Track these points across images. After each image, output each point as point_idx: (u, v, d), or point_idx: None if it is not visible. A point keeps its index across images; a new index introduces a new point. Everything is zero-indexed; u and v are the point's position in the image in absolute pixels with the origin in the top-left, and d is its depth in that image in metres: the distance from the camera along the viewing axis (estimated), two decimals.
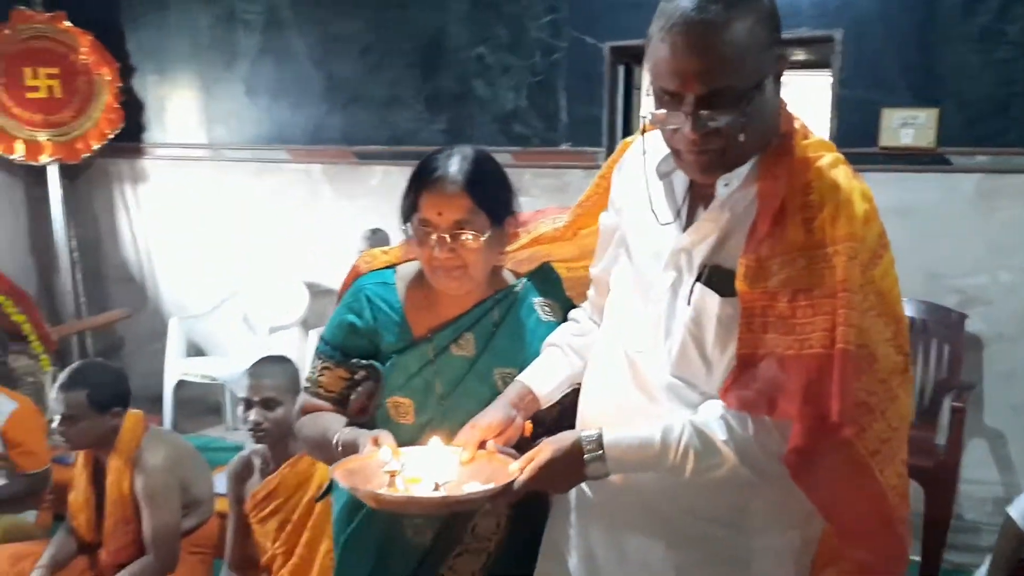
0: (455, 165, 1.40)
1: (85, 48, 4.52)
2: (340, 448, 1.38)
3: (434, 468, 1.27)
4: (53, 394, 2.48)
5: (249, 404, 2.33)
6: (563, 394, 1.43)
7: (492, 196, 1.43)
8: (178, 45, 4.62)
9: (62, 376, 2.50)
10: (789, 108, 1.23)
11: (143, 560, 2.57)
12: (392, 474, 1.23)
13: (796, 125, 1.20)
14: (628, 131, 3.93)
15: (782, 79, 1.16)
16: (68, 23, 4.50)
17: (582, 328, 1.48)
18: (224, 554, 2.57)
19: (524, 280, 1.56)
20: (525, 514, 1.48)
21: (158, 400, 4.27)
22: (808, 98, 4.52)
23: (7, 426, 3.08)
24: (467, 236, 1.39)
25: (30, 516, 3.10)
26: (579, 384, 1.42)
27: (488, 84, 3.94)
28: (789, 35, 3.35)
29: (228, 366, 4.22)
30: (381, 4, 4.09)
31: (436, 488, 1.23)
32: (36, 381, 4.00)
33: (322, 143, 4.31)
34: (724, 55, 1.05)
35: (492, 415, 1.34)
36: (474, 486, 1.23)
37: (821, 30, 3.33)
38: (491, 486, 1.21)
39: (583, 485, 1.36)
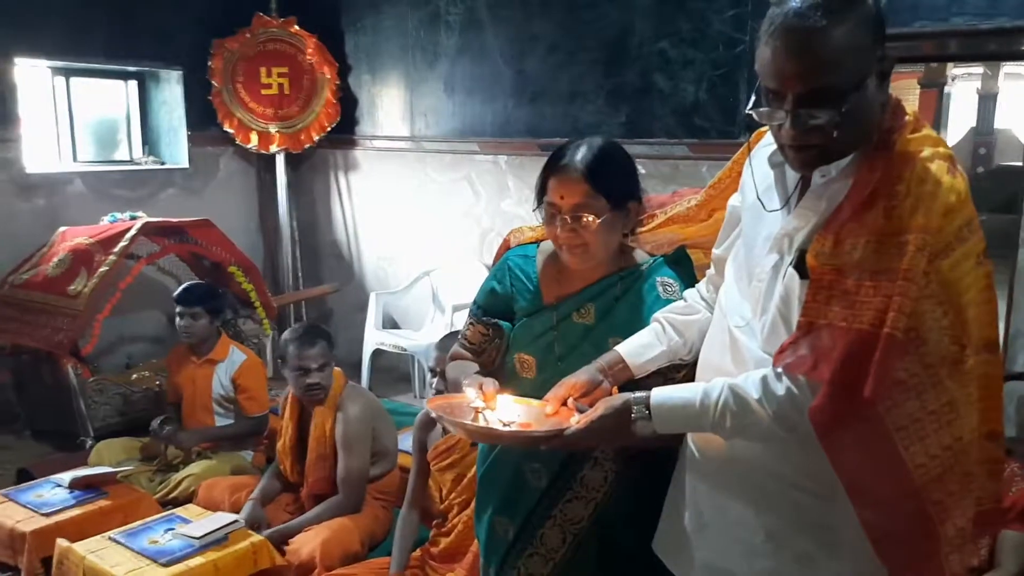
0: (579, 154, 1.58)
1: (311, 49, 5.07)
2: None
3: (514, 413, 1.48)
4: (295, 350, 2.95)
5: (434, 373, 2.66)
6: (658, 366, 1.55)
7: (611, 182, 1.58)
8: (389, 46, 5.08)
9: (300, 335, 3.00)
10: (903, 103, 1.27)
11: (335, 498, 2.99)
12: (477, 411, 1.45)
13: (906, 119, 1.25)
14: None
15: (888, 77, 1.22)
16: (297, 27, 5.08)
17: (688, 307, 1.59)
18: (401, 503, 2.89)
19: (652, 260, 1.70)
20: (632, 474, 1.63)
21: (357, 366, 4.75)
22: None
23: (238, 374, 3.65)
24: (586, 218, 1.56)
25: (248, 456, 3.62)
26: (678, 359, 1.55)
27: (669, 78, 4.02)
28: (988, 26, 3.20)
29: (417, 339, 4.62)
30: (571, 4, 4.29)
31: (505, 425, 1.44)
32: (259, 343, 4.60)
33: (509, 136, 4.58)
34: (822, 58, 1.14)
35: (579, 377, 1.49)
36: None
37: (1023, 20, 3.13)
38: (545, 429, 1.39)
39: (692, 449, 1.48)
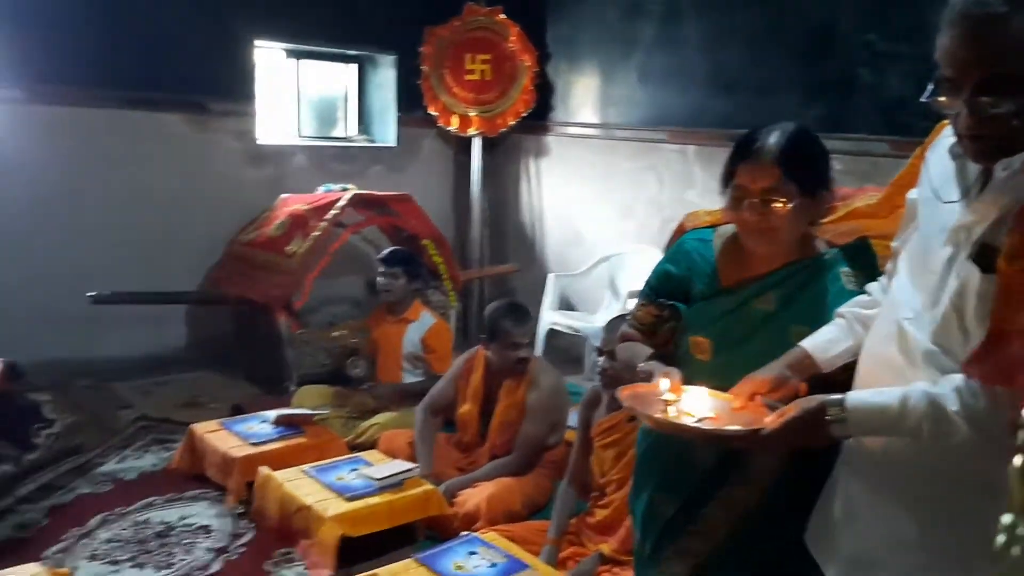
0: (772, 139, 1.58)
1: (513, 38, 5.29)
2: (640, 375, 1.65)
3: (704, 407, 1.48)
4: (509, 326, 3.21)
5: (600, 352, 2.78)
6: (844, 361, 1.52)
7: (803, 169, 1.58)
8: (587, 36, 5.20)
9: (514, 313, 3.29)
10: None
11: (508, 457, 3.21)
12: (667, 403, 1.46)
13: None
14: None
15: None
16: (503, 16, 5.31)
17: (872, 302, 1.56)
18: (564, 475, 3.03)
19: (836, 250, 1.68)
20: (805, 461, 1.57)
21: (532, 345, 4.93)
22: None
23: (428, 335, 3.97)
24: (776, 203, 1.56)
25: None
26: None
27: (874, 71, 3.84)
28: None
29: (592, 321, 4.74)
30: None
31: (698, 421, 1.43)
32: (445, 313, 4.90)
33: (699, 126, 4.56)
34: (1002, 45, 1.11)
35: (767, 373, 1.49)
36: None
37: None
38: (736, 428, 1.38)
39: (850, 443, 1.48)
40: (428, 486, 2.98)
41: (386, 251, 4.10)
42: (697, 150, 4.58)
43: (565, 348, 5.13)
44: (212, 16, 4.65)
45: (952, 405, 1.22)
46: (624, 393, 1.52)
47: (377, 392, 3.90)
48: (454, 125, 5.44)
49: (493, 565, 2.46)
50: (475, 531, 2.78)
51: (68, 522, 2.99)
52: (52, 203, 4.30)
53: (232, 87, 4.79)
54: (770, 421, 1.37)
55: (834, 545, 1.50)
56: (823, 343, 1.53)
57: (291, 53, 5.32)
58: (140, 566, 2.73)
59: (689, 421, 1.45)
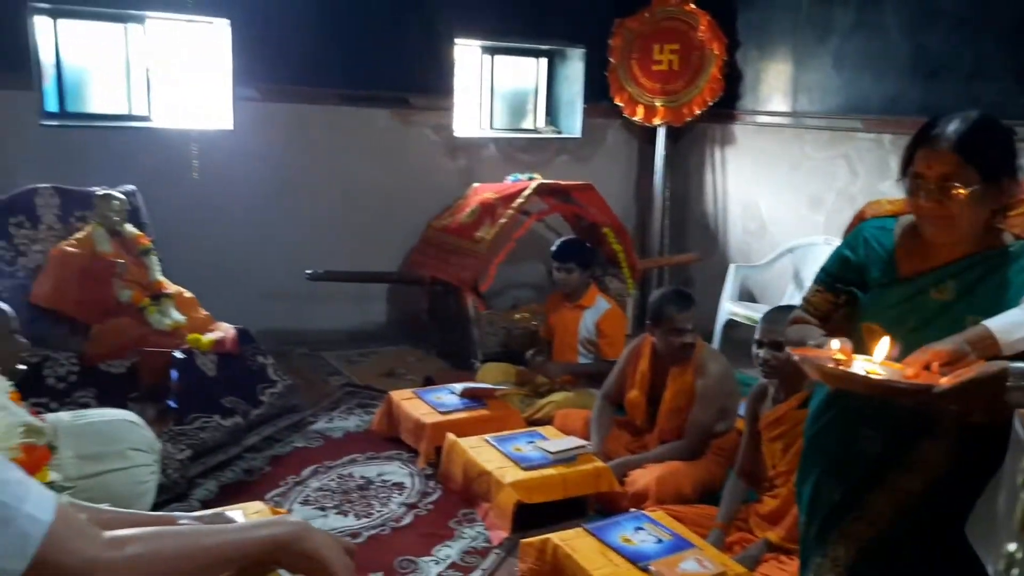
0: (952, 125, 1.56)
1: (703, 27, 5.28)
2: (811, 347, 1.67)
3: (875, 368, 1.48)
4: (673, 312, 3.28)
5: (760, 344, 2.77)
6: None
7: (984, 155, 1.55)
8: (780, 22, 5.09)
9: (677, 298, 3.34)
10: None
11: (678, 442, 3.30)
12: (838, 362, 1.49)
13: None
14: None
15: None
16: (692, 5, 5.31)
17: None
18: (734, 462, 3.08)
19: (1020, 243, 1.64)
20: (973, 450, 1.57)
21: (710, 335, 4.94)
22: None
23: (602, 319, 4.11)
24: (954, 189, 1.54)
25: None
26: None
27: None
28: None
29: None
30: None
31: (866, 373, 1.44)
32: (622, 300, 5.02)
33: (897, 114, 4.37)
34: None
35: (945, 344, 1.46)
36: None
37: None
38: (911, 382, 1.38)
39: (1020, 430, 1.47)
40: (599, 463, 3.14)
41: (558, 244, 4.21)
42: (894, 139, 4.38)
43: (744, 340, 5.06)
44: (417, 17, 5.03)
45: None
46: (795, 351, 1.55)
47: (548, 370, 4.08)
48: (639, 115, 5.52)
49: (660, 541, 2.57)
50: (644, 509, 2.90)
51: (285, 471, 3.42)
52: (278, 191, 4.86)
53: (433, 83, 5.16)
54: (946, 380, 1.36)
55: (995, 540, 1.50)
56: (1008, 324, 1.48)
57: (486, 49, 5.62)
58: (344, 513, 3.10)
59: (855, 370, 1.46)
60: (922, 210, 1.60)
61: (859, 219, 1.89)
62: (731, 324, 4.93)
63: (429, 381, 4.28)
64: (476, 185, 5.06)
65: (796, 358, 1.54)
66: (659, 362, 3.44)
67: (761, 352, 2.76)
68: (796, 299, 4.68)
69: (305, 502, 3.18)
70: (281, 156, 4.84)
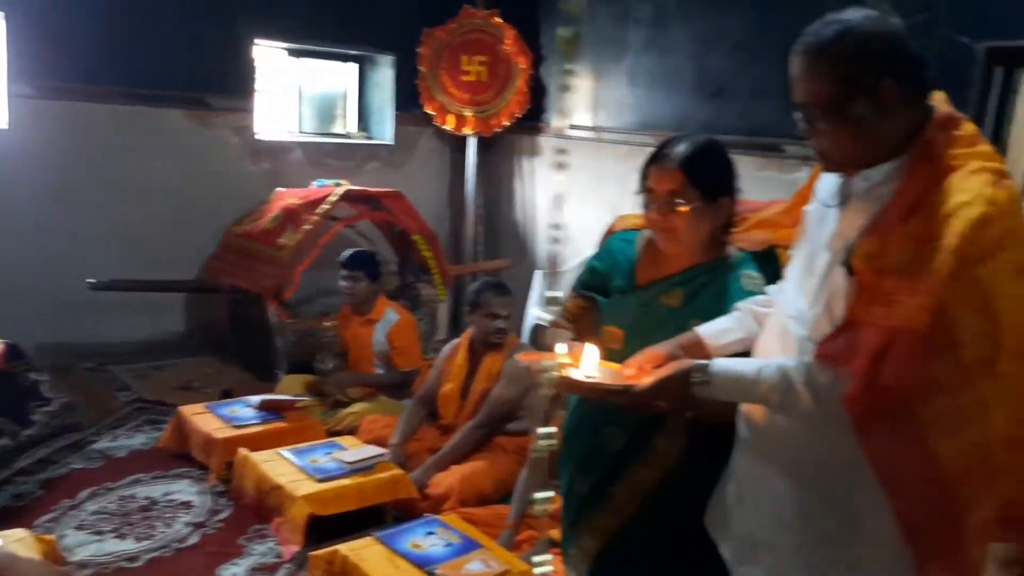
0: (680, 147, 1.74)
1: (509, 40, 5.40)
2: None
3: (596, 370, 1.61)
4: (490, 297, 3.44)
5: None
6: (735, 351, 1.65)
7: (705, 176, 1.73)
8: (580, 39, 5.30)
9: (495, 285, 3.54)
10: (960, 122, 1.36)
11: (469, 423, 3.35)
12: (563, 365, 1.60)
13: (957, 134, 1.33)
14: (997, 140, 3.65)
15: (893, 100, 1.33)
16: (499, 19, 5.44)
17: (769, 300, 1.70)
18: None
19: (742, 254, 1.82)
20: (703, 446, 1.74)
21: (520, 335, 5.07)
22: None
23: (392, 331, 4.08)
24: (678, 204, 1.71)
25: (407, 403, 4.03)
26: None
27: None
28: None
29: None
30: (759, 2, 4.30)
31: (585, 377, 1.58)
32: (434, 307, 5.05)
33: (686, 131, 4.65)
34: (824, 73, 1.36)
35: (660, 348, 1.63)
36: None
37: None
38: (616, 384, 1.54)
39: (742, 427, 1.62)
40: (397, 471, 3.13)
41: (346, 254, 4.15)
42: None
43: (550, 344, 5.24)
44: (214, 16, 4.82)
45: (799, 378, 1.37)
46: (524, 357, 1.68)
47: (343, 380, 4.02)
48: (450, 124, 5.58)
49: (449, 545, 2.60)
50: (444, 512, 2.92)
51: (60, 494, 3.17)
52: (59, 195, 4.49)
53: (233, 84, 4.96)
54: (645, 380, 1.52)
55: (727, 525, 1.64)
56: (716, 330, 1.68)
57: (292, 52, 5.48)
58: (122, 536, 2.91)
59: (573, 375, 1.59)
60: (652, 223, 1.76)
61: (610, 232, 2.04)
62: (539, 328, 5.07)
63: (227, 394, 4.10)
64: (280, 190, 4.91)
65: (523, 364, 1.64)
66: (475, 353, 3.51)
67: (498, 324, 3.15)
68: None
69: (80, 527, 2.97)
70: (62, 157, 4.48)
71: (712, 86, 4.56)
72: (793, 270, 1.59)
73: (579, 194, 5.35)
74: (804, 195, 1.73)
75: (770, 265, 1.83)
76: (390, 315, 4.12)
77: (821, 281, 1.44)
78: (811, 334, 1.44)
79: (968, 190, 1.24)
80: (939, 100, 1.39)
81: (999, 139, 3.65)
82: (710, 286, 1.79)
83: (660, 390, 1.49)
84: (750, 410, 1.57)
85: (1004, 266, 1.23)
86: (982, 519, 1.31)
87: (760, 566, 1.55)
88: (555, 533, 2.72)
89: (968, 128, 1.35)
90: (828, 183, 1.52)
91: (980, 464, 1.27)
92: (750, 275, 1.79)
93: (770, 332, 1.58)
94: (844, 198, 1.45)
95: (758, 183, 3.81)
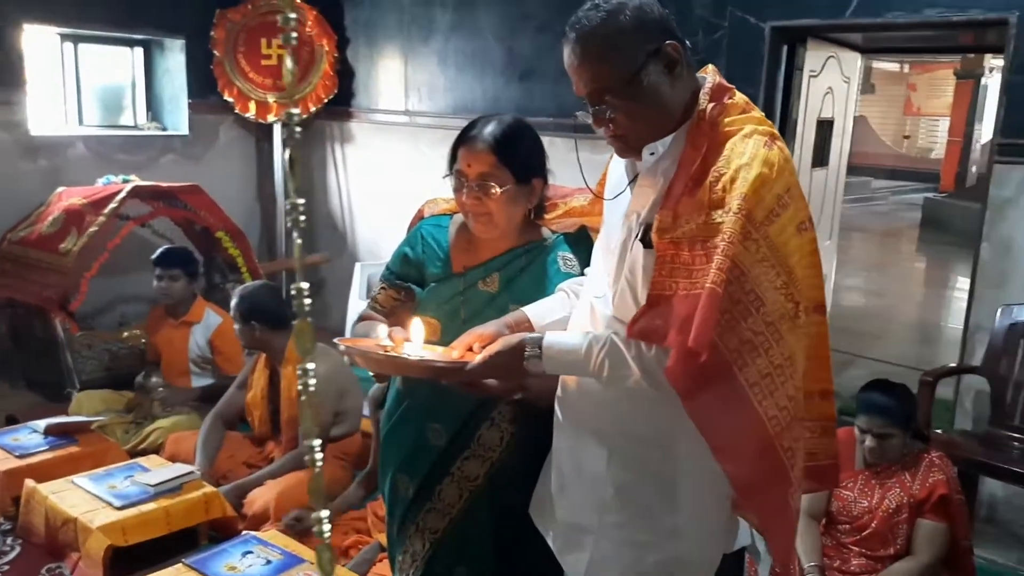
0: (488, 128, 1.67)
1: (310, 22, 5.16)
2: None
3: (421, 352, 1.53)
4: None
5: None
6: (559, 329, 1.60)
7: (517, 157, 1.66)
8: (386, 20, 5.15)
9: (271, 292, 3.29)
10: (729, 89, 1.38)
11: (292, 452, 3.14)
12: (384, 348, 1.50)
13: (729, 102, 1.35)
14: (786, 113, 3.88)
15: (676, 67, 1.34)
16: None
17: (585, 280, 1.68)
18: (363, 466, 3.03)
19: (556, 236, 1.79)
20: (528, 436, 1.70)
21: (341, 333, 4.87)
22: None
23: (215, 336, 3.80)
24: (491, 188, 1.63)
25: None
26: None
27: None
28: (961, 17, 3.21)
29: None
30: None
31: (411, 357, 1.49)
32: None
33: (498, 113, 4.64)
34: (598, 58, 1.34)
35: (487, 328, 1.56)
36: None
37: (995, 13, 3.14)
38: (448, 361, 1.46)
39: (557, 410, 1.58)
40: (208, 488, 2.90)
41: (160, 251, 3.87)
42: None
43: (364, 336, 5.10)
44: None
45: (630, 351, 1.35)
46: (343, 342, 1.55)
47: (174, 398, 3.70)
48: (252, 111, 5.26)
49: (268, 563, 2.43)
50: (263, 530, 2.73)
51: None
52: None
53: None
54: (477, 357, 1.46)
55: (552, 514, 1.60)
56: (541, 310, 1.64)
57: (67, 37, 4.95)
58: None
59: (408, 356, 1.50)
60: (465, 207, 1.68)
61: (419, 217, 1.94)
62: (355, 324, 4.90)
63: (12, 420, 3.65)
64: (61, 190, 4.41)
65: (343, 348, 1.51)
66: (272, 366, 3.29)
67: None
68: None
69: None
70: None
71: (521, 68, 4.57)
72: (596, 253, 1.57)
73: (395, 181, 5.23)
74: (603, 185, 1.72)
75: (583, 245, 1.80)
76: (211, 318, 3.82)
77: (619, 259, 1.43)
78: (616, 311, 1.42)
79: (744, 153, 1.27)
80: (710, 72, 1.40)
81: (787, 112, 3.90)
82: (527, 269, 1.74)
83: (493, 366, 1.44)
84: (567, 385, 1.54)
85: (789, 223, 1.28)
86: (800, 470, 1.35)
87: (584, 551, 1.53)
88: (383, 537, 2.64)
89: (739, 96, 1.39)
90: (617, 167, 1.53)
91: (795, 417, 1.31)
92: (566, 257, 1.76)
93: (580, 312, 1.55)
94: (633, 176, 1.44)
95: (570, 165, 3.86)
